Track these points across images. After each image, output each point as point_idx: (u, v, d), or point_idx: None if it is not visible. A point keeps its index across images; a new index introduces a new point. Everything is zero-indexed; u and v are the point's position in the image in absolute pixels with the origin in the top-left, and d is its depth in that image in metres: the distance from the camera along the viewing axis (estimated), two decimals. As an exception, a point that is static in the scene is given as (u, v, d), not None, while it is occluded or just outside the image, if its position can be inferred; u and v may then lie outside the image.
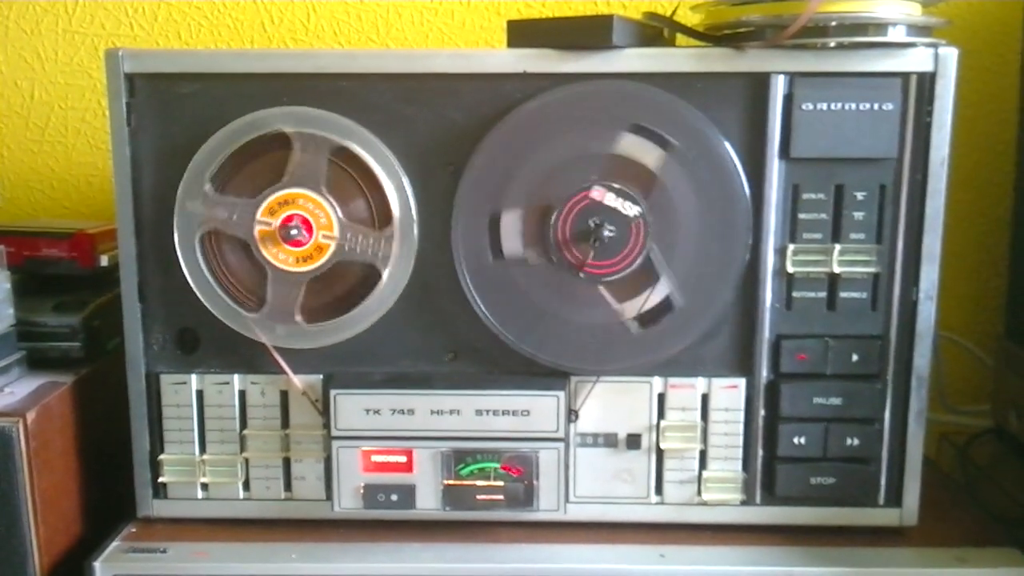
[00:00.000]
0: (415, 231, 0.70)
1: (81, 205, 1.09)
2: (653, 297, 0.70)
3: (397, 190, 0.70)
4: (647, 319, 0.71)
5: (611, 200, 0.68)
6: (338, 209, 0.69)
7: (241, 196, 0.70)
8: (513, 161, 0.69)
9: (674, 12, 0.77)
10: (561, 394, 0.71)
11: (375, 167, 0.69)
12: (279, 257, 0.70)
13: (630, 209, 0.68)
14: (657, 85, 0.68)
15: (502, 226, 0.70)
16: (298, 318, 0.71)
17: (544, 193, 0.69)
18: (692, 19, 0.75)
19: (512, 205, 0.69)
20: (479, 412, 0.72)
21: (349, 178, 0.70)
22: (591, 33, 0.67)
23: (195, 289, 0.71)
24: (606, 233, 0.68)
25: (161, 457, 0.75)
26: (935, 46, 0.68)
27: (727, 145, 0.69)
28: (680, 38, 0.75)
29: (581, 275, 0.70)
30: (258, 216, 0.69)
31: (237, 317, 0.71)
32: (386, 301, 0.71)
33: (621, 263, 0.70)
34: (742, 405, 0.73)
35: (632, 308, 0.70)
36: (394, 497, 0.72)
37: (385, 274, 0.70)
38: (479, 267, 0.70)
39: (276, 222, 0.69)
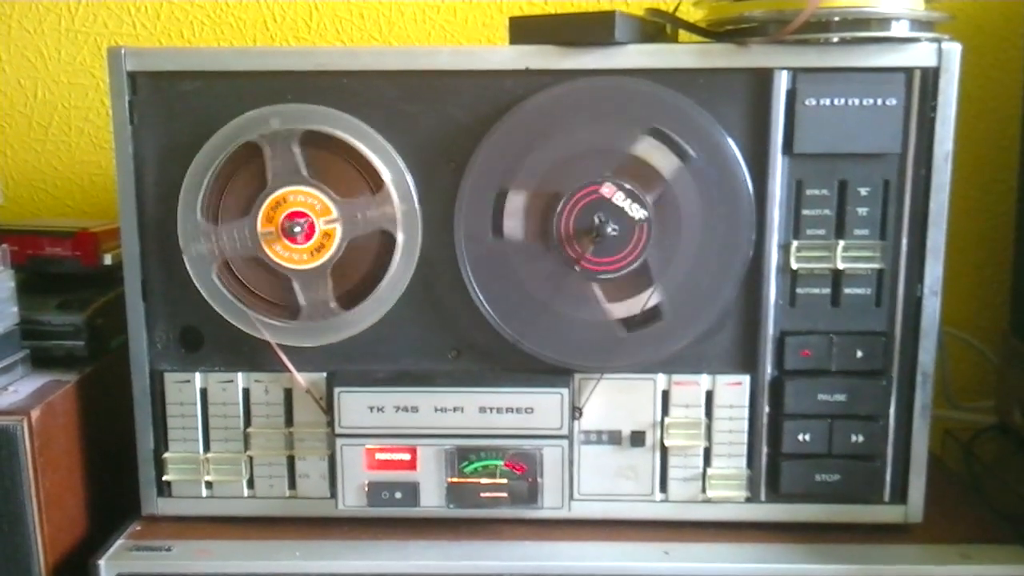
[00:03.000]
0: (419, 228, 0.70)
1: (84, 204, 1.09)
2: (643, 302, 0.70)
3: (400, 187, 0.70)
4: (634, 323, 0.71)
5: (620, 199, 0.68)
6: (330, 191, 0.69)
7: (236, 217, 0.70)
8: (525, 144, 0.68)
9: (676, 8, 0.77)
10: (565, 391, 0.71)
11: (377, 163, 0.69)
12: (294, 259, 0.70)
13: (637, 212, 0.68)
14: (660, 81, 0.68)
15: (506, 205, 0.69)
16: (333, 305, 0.71)
17: (553, 181, 0.69)
18: (694, 15, 0.74)
19: (520, 187, 0.69)
20: (483, 410, 0.71)
21: (328, 156, 0.70)
22: (593, 29, 0.67)
23: (205, 295, 0.71)
24: (609, 230, 0.68)
25: (165, 455, 0.75)
26: (938, 41, 0.68)
27: (730, 141, 0.69)
28: (682, 34, 0.74)
29: (576, 268, 0.69)
30: (259, 229, 0.69)
31: (242, 316, 0.71)
32: (400, 281, 0.71)
33: (618, 263, 0.69)
34: (746, 402, 0.73)
35: (621, 310, 0.70)
36: (398, 495, 0.72)
37: (399, 237, 0.70)
38: (478, 245, 0.70)
39: (277, 228, 0.69)
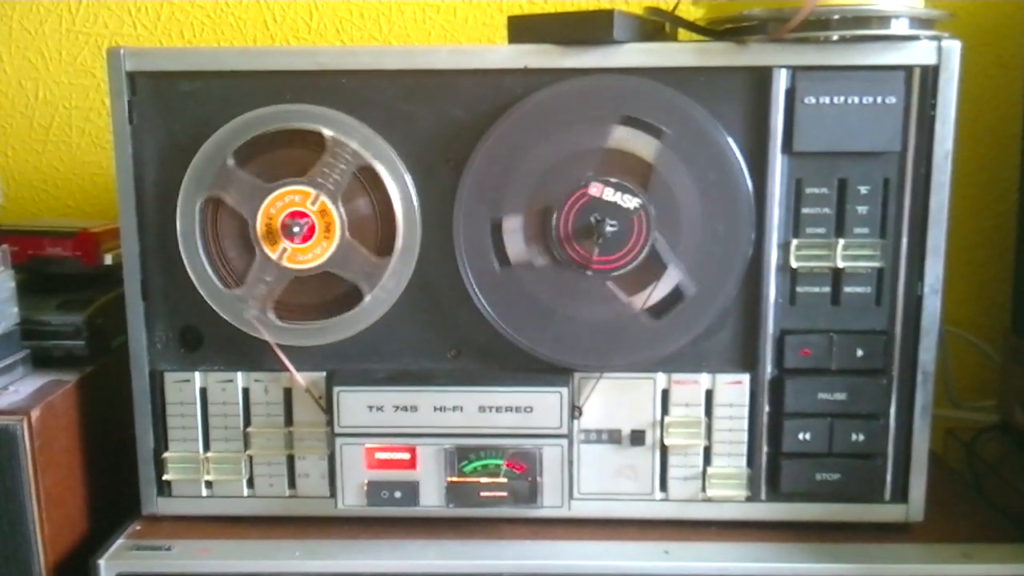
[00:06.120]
0: (418, 227, 0.70)
1: (85, 204, 1.09)
2: (663, 287, 0.70)
3: (399, 185, 0.70)
4: (659, 310, 0.70)
5: (609, 195, 0.68)
6: (292, 179, 0.69)
7: (248, 262, 0.70)
8: (510, 163, 0.69)
9: (675, 7, 0.77)
10: (564, 390, 0.71)
11: (376, 164, 0.69)
12: (318, 254, 0.70)
13: (629, 202, 0.68)
14: (658, 80, 0.68)
15: (504, 231, 0.70)
16: (374, 259, 0.70)
17: (542, 193, 0.69)
18: (693, 13, 0.74)
19: (512, 209, 0.69)
20: (482, 409, 0.71)
21: (268, 155, 0.70)
22: (592, 28, 0.67)
23: (200, 290, 0.71)
24: (608, 228, 0.68)
25: (165, 455, 0.75)
26: (938, 39, 0.67)
27: (729, 140, 0.69)
28: (682, 33, 0.74)
29: (588, 273, 0.69)
30: (271, 256, 0.70)
31: (239, 315, 0.71)
32: (391, 293, 0.71)
33: (627, 256, 0.69)
34: (746, 401, 0.73)
35: (642, 300, 0.70)
36: (398, 494, 0.72)
37: (375, 165, 0.69)
38: (485, 274, 0.70)
39: (281, 241, 0.69)
